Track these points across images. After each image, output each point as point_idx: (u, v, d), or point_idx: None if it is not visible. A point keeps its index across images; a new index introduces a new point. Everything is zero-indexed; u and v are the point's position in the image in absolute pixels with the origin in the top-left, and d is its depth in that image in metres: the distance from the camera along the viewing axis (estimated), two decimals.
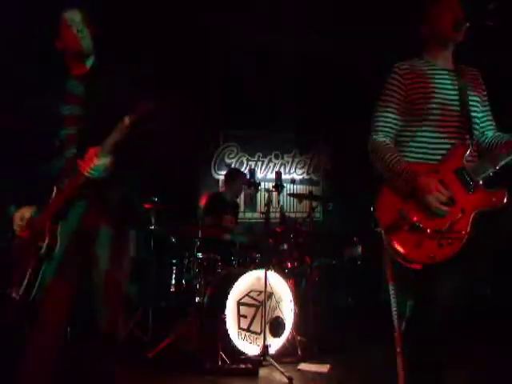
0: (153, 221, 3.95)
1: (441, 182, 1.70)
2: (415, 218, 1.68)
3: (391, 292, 1.89)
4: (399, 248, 1.69)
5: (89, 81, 1.96)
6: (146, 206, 3.88)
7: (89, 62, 2.01)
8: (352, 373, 3.02)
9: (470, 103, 1.83)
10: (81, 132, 1.89)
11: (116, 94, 1.89)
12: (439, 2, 1.82)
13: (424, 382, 1.69)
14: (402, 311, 1.83)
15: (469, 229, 1.64)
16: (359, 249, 5.05)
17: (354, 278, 4.87)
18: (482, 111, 1.91)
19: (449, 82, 1.84)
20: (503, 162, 1.69)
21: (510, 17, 1.75)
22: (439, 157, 1.77)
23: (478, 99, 1.88)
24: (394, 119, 1.86)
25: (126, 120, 1.74)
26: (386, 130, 1.86)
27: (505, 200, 1.64)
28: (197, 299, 3.63)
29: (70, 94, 1.95)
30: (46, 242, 1.78)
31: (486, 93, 1.94)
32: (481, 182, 1.70)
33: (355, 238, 5.10)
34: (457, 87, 1.83)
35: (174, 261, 4.19)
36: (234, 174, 4.69)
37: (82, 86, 1.96)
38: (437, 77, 1.84)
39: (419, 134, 1.81)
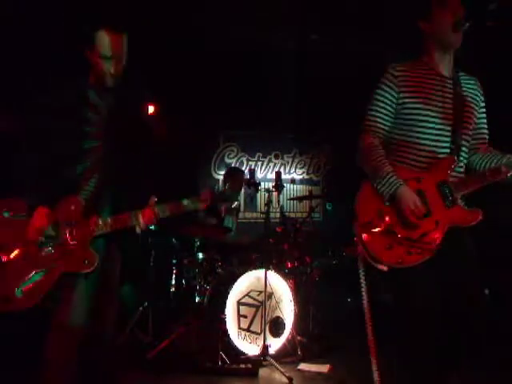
0: None
1: (421, 192, 1.72)
2: (390, 222, 1.72)
3: (362, 288, 1.98)
4: (370, 246, 1.74)
5: (114, 93, 1.98)
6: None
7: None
8: (352, 373, 3.03)
9: (465, 114, 1.80)
10: (105, 143, 1.91)
11: (138, 108, 2.03)
12: (441, 3, 1.79)
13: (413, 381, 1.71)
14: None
15: (439, 241, 1.67)
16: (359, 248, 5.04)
17: (354, 278, 4.85)
18: (477, 123, 1.88)
19: (445, 89, 1.81)
20: (485, 184, 1.71)
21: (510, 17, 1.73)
22: (426, 164, 1.77)
23: (473, 111, 1.84)
24: (385, 120, 1.85)
25: (185, 204, 2.04)
26: (376, 130, 1.86)
27: (478, 220, 1.67)
28: (197, 299, 3.63)
29: (94, 102, 1.94)
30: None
31: (483, 102, 1.91)
32: (459, 199, 1.72)
33: (355, 238, 5.09)
34: (452, 96, 1.80)
35: (174, 261, 4.19)
36: (231, 172, 4.73)
37: (108, 97, 1.97)
38: (433, 83, 1.81)
39: (410, 139, 1.80)
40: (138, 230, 1.92)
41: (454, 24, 1.75)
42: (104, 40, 1.84)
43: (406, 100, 1.80)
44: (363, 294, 1.94)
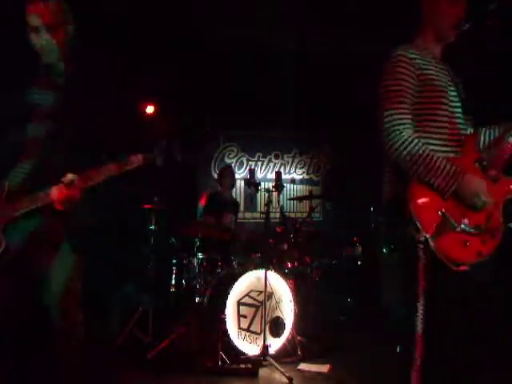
0: (153, 221, 3.95)
1: None
2: (459, 218, 1.60)
3: (420, 307, 1.64)
4: (450, 251, 1.59)
5: (57, 73, 1.85)
6: (146, 206, 3.89)
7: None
8: (352, 373, 3.03)
9: (463, 94, 1.81)
10: (50, 130, 1.79)
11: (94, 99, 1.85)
12: None
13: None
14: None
15: (502, 219, 1.63)
16: (359, 249, 5.05)
17: (354, 278, 4.87)
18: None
19: (447, 73, 1.80)
20: None
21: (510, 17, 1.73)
22: (455, 148, 1.70)
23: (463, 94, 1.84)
24: (410, 110, 1.70)
25: (113, 167, 1.75)
26: (407, 122, 1.68)
27: None
28: (197, 299, 3.63)
29: (44, 81, 1.83)
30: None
31: None
32: (500, 172, 1.68)
33: (355, 238, 5.10)
34: (451, 80, 1.80)
35: (174, 261, 4.19)
36: (221, 171, 4.80)
37: (55, 75, 1.85)
38: (437, 65, 1.79)
39: (434, 126, 1.71)
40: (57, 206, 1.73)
41: (456, 23, 1.74)
42: (29, 13, 1.74)
43: (425, 82, 1.71)
44: (421, 311, 1.63)
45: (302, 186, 6.55)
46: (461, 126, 1.75)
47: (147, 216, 3.98)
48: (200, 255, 3.80)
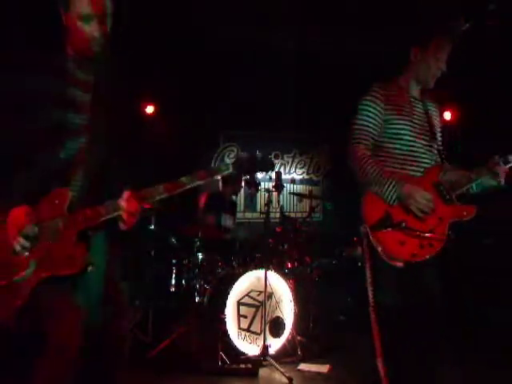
0: (153, 221, 3.95)
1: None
2: (401, 219, 1.84)
3: (369, 292, 1.95)
4: (384, 245, 1.82)
5: (96, 67, 1.68)
6: (146, 206, 3.88)
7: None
8: (352, 373, 3.03)
9: (435, 129, 2.03)
10: (92, 121, 1.64)
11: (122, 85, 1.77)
12: (428, 51, 1.96)
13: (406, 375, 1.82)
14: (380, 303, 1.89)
15: (445, 235, 1.83)
16: (359, 249, 5.05)
17: (354, 278, 4.86)
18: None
19: (418, 109, 2.03)
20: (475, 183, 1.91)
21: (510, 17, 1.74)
22: (413, 172, 1.95)
23: (438, 127, 2.08)
24: (373, 132, 2.00)
25: (184, 181, 1.67)
26: (366, 141, 2.00)
27: (473, 215, 1.86)
28: (197, 299, 3.63)
29: (75, 78, 1.65)
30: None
31: (441, 124, 2.14)
32: (454, 197, 1.90)
33: (355, 238, 5.09)
34: (424, 114, 2.02)
35: (174, 261, 4.19)
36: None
37: (90, 71, 1.68)
38: (411, 104, 2.02)
39: (397, 150, 1.97)
40: (122, 225, 1.65)
41: (436, 74, 1.97)
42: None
43: (391, 116, 1.98)
44: (370, 294, 1.94)
45: (302, 185, 6.55)
46: (426, 157, 1.97)
47: (147, 216, 3.98)
48: (200, 255, 3.80)
